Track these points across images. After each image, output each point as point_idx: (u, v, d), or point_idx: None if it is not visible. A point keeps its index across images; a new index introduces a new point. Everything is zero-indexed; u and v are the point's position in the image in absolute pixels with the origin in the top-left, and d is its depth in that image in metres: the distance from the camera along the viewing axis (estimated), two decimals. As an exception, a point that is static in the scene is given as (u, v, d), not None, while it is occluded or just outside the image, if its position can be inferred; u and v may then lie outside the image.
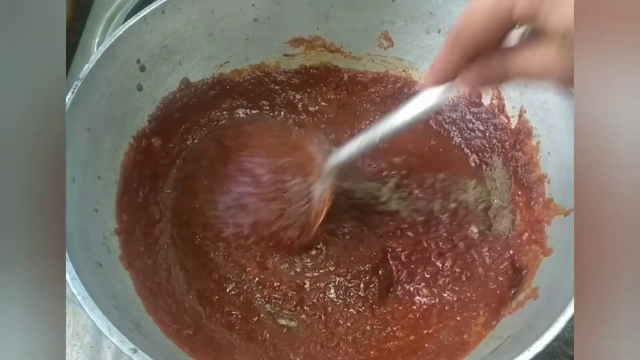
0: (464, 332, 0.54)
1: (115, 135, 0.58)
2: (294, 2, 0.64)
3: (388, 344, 0.55)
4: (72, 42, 0.80)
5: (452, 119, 0.67)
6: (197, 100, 0.66)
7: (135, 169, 0.60)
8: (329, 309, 0.57)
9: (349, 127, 0.68)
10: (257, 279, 0.58)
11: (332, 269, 0.59)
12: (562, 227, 0.54)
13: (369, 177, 0.64)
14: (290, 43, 0.67)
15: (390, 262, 0.60)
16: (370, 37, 0.67)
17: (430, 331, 0.56)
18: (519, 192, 0.61)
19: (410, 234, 0.61)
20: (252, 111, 0.69)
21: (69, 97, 0.52)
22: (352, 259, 0.59)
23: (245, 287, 0.58)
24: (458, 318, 0.56)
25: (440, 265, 0.59)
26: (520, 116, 0.61)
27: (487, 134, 0.65)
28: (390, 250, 0.60)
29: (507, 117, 0.63)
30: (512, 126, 0.62)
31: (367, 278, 0.58)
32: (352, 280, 0.58)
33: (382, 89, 0.69)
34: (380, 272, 0.59)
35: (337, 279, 0.59)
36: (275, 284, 0.58)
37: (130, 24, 0.57)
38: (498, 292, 0.56)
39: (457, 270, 0.59)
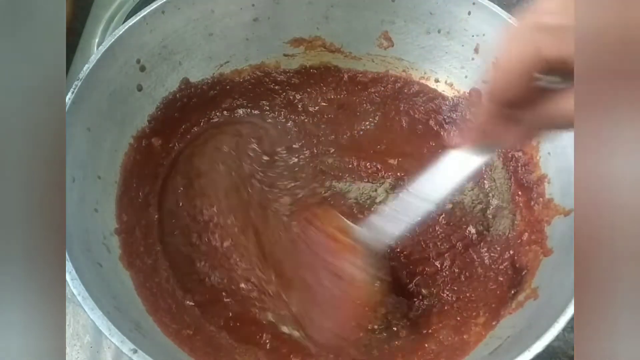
0: (463, 332, 0.54)
1: (115, 135, 0.58)
2: (294, 2, 0.64)
3: (388, 344, 0.55)
4: (72, 42, 0.80)
5: (452, 119, 0.67)
6: (197, 100, 0.66)
7: (135, 169, 0.60)
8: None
9: (349, 127, 0.68)
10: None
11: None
12: (562, 227, 0.54)
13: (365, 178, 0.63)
14: (290, 43, 0.67)
15: (390, 262, 0.59)
16: (370, 37, 0.67)
17: (430, 331, 0.56)
18: (519, 192, 0.61)
19: (407, 234, 0.60)
20: (252, 111, 0.69)
21: (69, 97, 0.52)
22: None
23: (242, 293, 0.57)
24: (458, 318, 0.56)
25: (439, 266, 0.59)
26: (520, 116, 0.61)
27: (487, 134, 0.65)
28: (389, 250, 0.60)
29: (507, 117, 0.63)
30: (512, 126, 0.62)
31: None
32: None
33: (382, 89, 0.69)
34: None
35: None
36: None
37: (130, 24, 0.57)
38: (498, 292, 0.56)
39: (456, 270, 0.58)
